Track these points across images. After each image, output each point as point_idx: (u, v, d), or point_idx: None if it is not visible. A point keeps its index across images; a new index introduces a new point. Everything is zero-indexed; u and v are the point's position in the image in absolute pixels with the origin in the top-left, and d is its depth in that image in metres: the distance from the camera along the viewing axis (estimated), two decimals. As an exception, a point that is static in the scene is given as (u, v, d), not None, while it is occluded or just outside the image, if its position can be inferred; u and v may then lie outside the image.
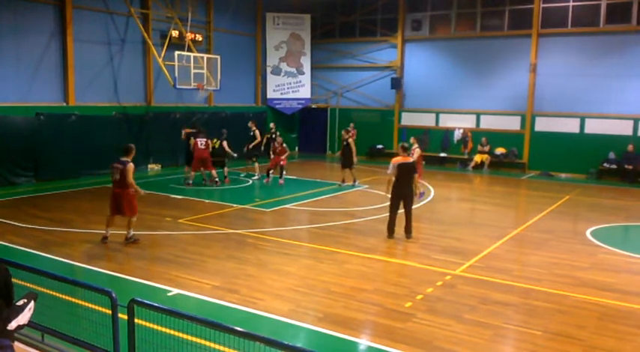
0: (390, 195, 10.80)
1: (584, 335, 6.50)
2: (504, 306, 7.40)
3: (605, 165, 20.47)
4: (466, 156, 22.99)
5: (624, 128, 20.45)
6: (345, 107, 26.55)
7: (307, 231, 11.69)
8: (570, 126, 21.45)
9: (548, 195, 16.45)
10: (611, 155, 20.43)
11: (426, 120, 24.41)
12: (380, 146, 25.33)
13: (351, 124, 21.74)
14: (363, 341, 6.31)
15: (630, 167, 19.77)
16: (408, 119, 24.93)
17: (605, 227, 12.40)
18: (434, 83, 24.08)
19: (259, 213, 13.11)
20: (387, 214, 10.90)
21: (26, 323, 4.75)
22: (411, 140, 15.19)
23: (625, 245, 10.84)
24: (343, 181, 17.23)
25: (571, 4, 21.19)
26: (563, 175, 21.09)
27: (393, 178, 10.50)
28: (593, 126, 21.00)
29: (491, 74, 22.94)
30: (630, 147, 19.97)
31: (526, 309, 7.35)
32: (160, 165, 20.44)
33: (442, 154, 23.61)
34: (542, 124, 22.10)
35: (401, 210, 10.74)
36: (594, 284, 8.34)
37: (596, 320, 7.03)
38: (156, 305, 4.73)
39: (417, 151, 14.55)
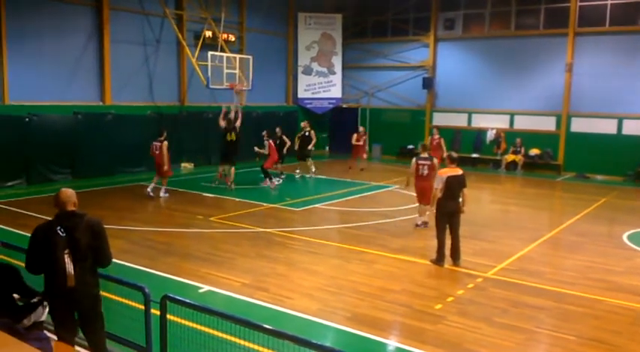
0: (434, 212, 9.32)
1: (619, 341, 6.34)
2: (537, 310, 7.27)
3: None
4: (499, 157, 22.63)
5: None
6: (376, 107, 26.44)
7: (336, 230, 11.70)
8: (607, 127, 20.87)
9: (584, 198, 16.07)
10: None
11: (458, 121, 24.10)
12: (411, 146, 25.10)
13: (362, 128, 22.10)
14: (391, 342, 6.29)
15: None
16: (440, 119, 24.64)
17: None
18: (466, 83, 23.76)
19: (289, 212, 13.18)
20: (421, 216, 10.72)
21: (43, 319, 4.93)
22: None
23: (664, 250, 10.49)
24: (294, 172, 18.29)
25: (609, 2, 20.64)
26: (599, 177, 20.56)
27: (439, 194, 9.04)
28: (631, 127, 20.39)
29: (526, 74, 22.51)
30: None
31: (559, 313, 7.20)
32: (192, 164, 20.75)
33: (474, 155, 23.27)
34: (578, 125, 21.58)
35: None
36: (630, 289, 8.13)
37: (630, 325, 6.86)
38: (188, 301, 4.81)
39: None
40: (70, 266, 4.45)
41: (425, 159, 11.48)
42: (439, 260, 9.08)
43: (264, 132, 17.14)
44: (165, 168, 14.28)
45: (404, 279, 8.40)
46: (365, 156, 20.93)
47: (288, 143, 18.17)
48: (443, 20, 24.33)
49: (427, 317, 6.89)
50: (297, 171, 18.94)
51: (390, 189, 16.80)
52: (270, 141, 16.84)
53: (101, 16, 17.80)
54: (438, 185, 9.06)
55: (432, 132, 20.11)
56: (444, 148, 19.44)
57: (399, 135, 25.21)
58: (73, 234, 4.49)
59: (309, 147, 18.74)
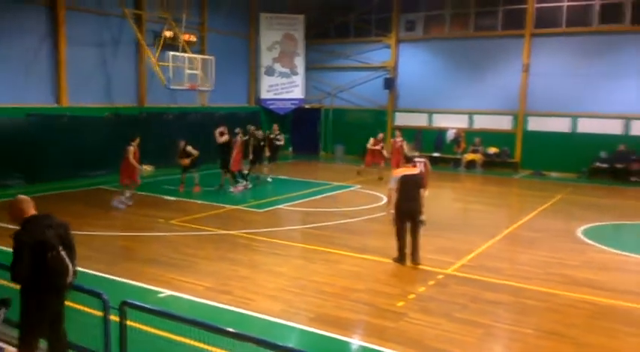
0: (392, 214, 9.11)
1: (575, 333, 6.55)
2: (495, 305, 7.45)
3: (596, 164, 20.59)
4: (459, 156, 23.06)
5: (615, 127, 20.59)
6: (338, 107, 26.58)
7: (300, 231, 11.71)
8: (562, 125, 21.57)
9: (540, 195, 16.53)
10: (603, 154, 20.56)
11: (420, 121, 24.47)
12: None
13: (381, 134, 20.27)
14: (355, 341, 6.33)
15: (621, 166, 19.90)
16: (402, 119, 24.98)
17: (597, 225, 12.48)
18: (427, 83, 24.14)
19: (252, 214, 13.11)
20: (380, 214, 10.85)
21: None
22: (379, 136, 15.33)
23: (616, 243, 10.89)
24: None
25: (565, 4, 21.32)
26: (554, 174, 21.19)
27: (394, 194, 8.91)
28: (585, 126, 21.12)
29: (485, 74, 23.03)
30: (622, 147, 20.11)
31: (517, 308, 7.39)
32: (153, 167, 20.36)
33: (435, 154, 23.64)
34: (534, 124, 22.21)
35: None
36: (585, 283, 8.40)
37: (586, 318, 7.08)
38: (147, 306, 4.74)
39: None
40: (68, 262, 4.61)
41: (419, 158, 11.84)
42: (401, 259, 9.12)
43: (237, 129, 16.77)
44: (122, 176, 13.52)
45: (367, 278, 8.47)
46: (383, 163, 18.88)
47: (282, 141, 18.20)
48: (404, 21, 24.68)
49: (390, 315, 6.97)
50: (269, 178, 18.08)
51: (352, 189, 16.91)
52: (238, 138, 16.35)
53: (56, 16, 17.32)
54: (392, 185, 8.93)
55: (393, 134, 19.82)
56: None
57: (361, 136, 25.35)
58: (59, 231, 4.63)
59: (269, 152, 18.07)
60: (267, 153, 17.91)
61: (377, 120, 25.46)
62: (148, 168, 18.21)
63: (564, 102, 21.36)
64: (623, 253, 10.15)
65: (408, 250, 9.11)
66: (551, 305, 7.46)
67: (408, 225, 9.02)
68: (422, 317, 6.93)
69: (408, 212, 8.88)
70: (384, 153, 18.94)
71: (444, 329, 6.56)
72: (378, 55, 25.29)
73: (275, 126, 18.91)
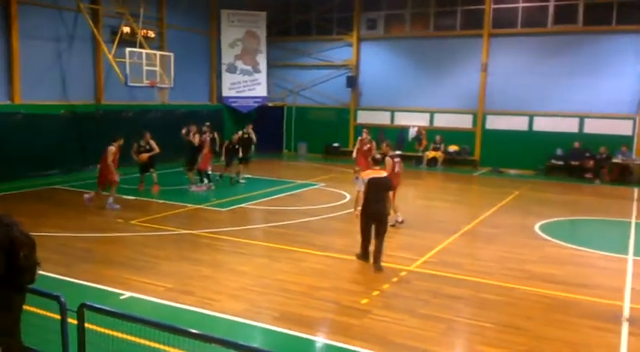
0: (358, 216, 8.95)
1: (533, 327, 6.73)
2: (456, 300, 7.59)
3: (552, 161, 21.22)
4: (421, 154, 23.39)
5: (571, 125, 21.26)
6: (301, 105, 26.58)
7: (264, 230, 11.66)
8: (519, 124, 22.14)
9: (499, 191, 16.93)
10: (559, 151, 21.20)
11: (382, 119, 24.71)
12: (336, 144, 25.49)
13: (366, 132, 18.85)
14: (319, 339, 6.35)
15: (577, 163, 20.56)
16: (364, 117, 25.17)
17: (553, 221, 12.87)
18: (389, 82, 24.39)
19: (215, 213, 12.98)
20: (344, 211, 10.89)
21: None
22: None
23: (571, 238, 11.26)
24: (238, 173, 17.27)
25: (520, 5, 21.88)
26: (512, 171, 21.74)
27: (362, 195, 8.74)
28: (542, 124, 21.75)
29: (445, 73, 23.42)
30: (577, 144, 20.77)
31: (477, 302, 7.55)
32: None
33: (397, 152, 23.82)
34: (493, 122, 22.73)
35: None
36: (542, 277, 8.65)
37: (542, 311, 7.29)
38: (107, 308, 4.63)
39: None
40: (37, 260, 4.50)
41: (397, 156, 12.03)
42: (363, 256, 9.14)
43: (206, 125, 16.50)
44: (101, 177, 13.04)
45: (331, 276, 8.50)
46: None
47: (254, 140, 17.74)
48: (365, 20, 24.84)
49: (354, 313, 7.01)
50: (242, 180, 17.44)
51: (316, 187, 16.94)
52: (206, 136, 16.01)
53: (9, 10, 16.70)
54: (360, 187, 8.80)
55: (361, 133, 18.73)
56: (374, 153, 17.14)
57: (324, 134, 25.53)
58: (24, 232, 4.45)
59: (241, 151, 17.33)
60: (241, 154, 17.12)
61: (339, 119, 25.61)
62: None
63: (522, 101, 21.93)
64: (578, 248, 10.49)
65: (372, 247, 9.11)
66: (509, 300, 7.66)
67: (374, 227, 8.92)
68: (386, 313, 7.00)
69: (373, 215, 8.77)
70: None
71: (408, 325, 6.64)
72: (340, 53, 25.41)
73: (249, 126, 18.33)
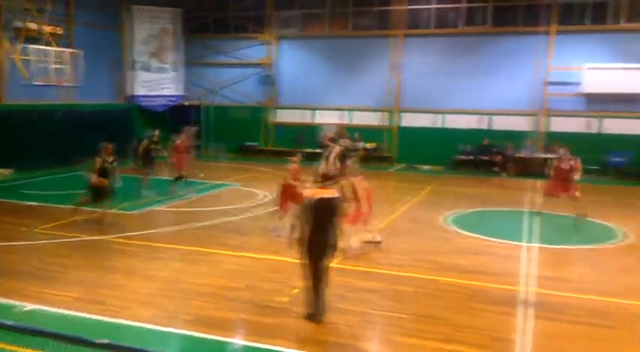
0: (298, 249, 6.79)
1: (447, 315, 7.01)
2: (372, 293, 7.75)
3: (461, 157, 22.23)
4: (339, 152, 23.65)
5: (480, 122, 22.37)
6: (219, 104, 26.16)
7: (179, 232, 11.33)
8: (432, 121, 23.02)
9: (413, 187, 17.50)
10: (468, 147, 22.24)
11: (301, 117, 24.82)
12: (251, 143, 25.40)
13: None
14: (237, 341, 6.25)
15: (485, 158, 21.68)
16: (283, 116, 25.20)
17: (463, 214, 13.47)
18: (307, 80, 24.54)
19: (127, 217, 12.46)
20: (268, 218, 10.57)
21: None
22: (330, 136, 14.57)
23: (477, 229, 11.81)
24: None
25: (433, 6, 22.73)
26: (425, 167, 22.54)
27: (304, 223, 6.55)
28: (453, 121, 22.71)
29: (362, 72, 23.89)
30: (485, 141, 21.89)
31: (392, 295, 7.75)
32: (10, 170, 18.52)
33: (318, 150, 24.07)
34: (407, 120, 23.48)
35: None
36: (454, 268, 9.03)
37: (456, 300, 7.61)
38: (7, 323, 4.31)
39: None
40: None
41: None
42: (317, 312, 6.72)
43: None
44: None
45: (249, 276, 8.42)
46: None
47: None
48: (282, 19, 24.86)
49: (273, 312, 6.98)
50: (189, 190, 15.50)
51: (232, 187, 16.73)
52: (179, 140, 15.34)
53: None
54: (299, 213, 6.67)
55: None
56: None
57: (241, 133, 25.32)
58: None
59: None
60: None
61: (256, 117, 25.50)
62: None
63: (434, 99, 22.81)
64: (486, 238, 11.05)
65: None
66: (424, 291, 7.92)
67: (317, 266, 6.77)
68: (304, 310, 7.01)
69: (320, 246, 6.61)
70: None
71: (326, 321, 6.69)
72: (257, 51, 25.28)
73: (156, 132, 15.97)
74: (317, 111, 24.66)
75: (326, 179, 7.01)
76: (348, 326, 6.62)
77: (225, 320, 6.76)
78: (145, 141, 15.30)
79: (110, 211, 11.78)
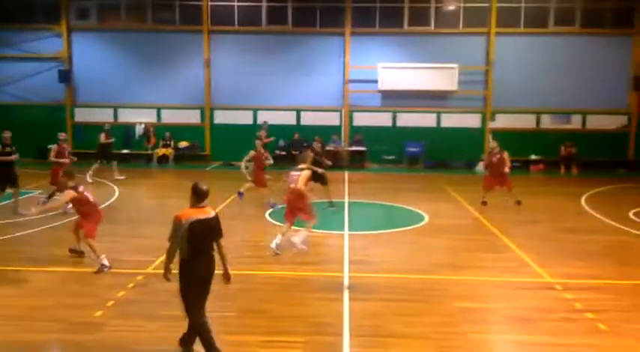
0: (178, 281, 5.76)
1: (271, 307, 7.15)
2: (197, 295, 7.57)
3: (276, 151, 22.83)
4: (150, 152, 22.71)
5: (290, 118, 23.21)
6: (4, 103, 23.17)
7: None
8: (245, 118, 23.25)
9: (232, 184, 17.47)
10: (281, 142, 22.92)
11: (104, 116, 23.11)
12: (52, 146, 22.94)
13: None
14: (48, 365, 5.65)
15: (297, 152, 22.50)
16: (83, 115, 23.29)
17: (282, 207, 13.83)
18: (109, 76, 23.02)
19: None
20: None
21: None
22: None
23: (299, 222, 12.25)
24: None
25: (236, 3, 22.85)
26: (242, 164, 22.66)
27: (175, 248, 5.78)
28: (266, 117, 23.17)
29: (169, 68, 23.12)
30: (296, 135, 22.79)
31: (218, 294, 7.61)
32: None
33: (125, 151, 22.76)
34: (221, 117, 23.39)
35: None
36: (276, 260, 9.27)
37: (279, 292, 7.80)
38: None
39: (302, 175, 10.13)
40: None
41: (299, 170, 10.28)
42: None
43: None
44: None
45: (57, 293, 7.63)
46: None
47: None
48: (75, 9, 22.90)
49: (86, 328, 6.42)
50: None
51: (32, 194, 15.00)
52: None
53: None
54: (172, 235, 5.80)
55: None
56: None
57: (37, 135, 22.70)
58: None
59: None
60: None
61: (54, 117, 23.15)
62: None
63: (247, 96, 23.08)
64: (300, 228, 11.48)
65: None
66: (247, 286, 7.97)
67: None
68: (123, 322, 6.59)
69: (204, 275, 5.87)
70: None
71: (147, 330, 6.38)
72: (49, 44, 22.96)
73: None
74: (122, 109, 23.26)
75: (199, 198, 6.36)
76: (176, 332, 6.35)
77: (33, 343, 6.04)
78: None
79: None
